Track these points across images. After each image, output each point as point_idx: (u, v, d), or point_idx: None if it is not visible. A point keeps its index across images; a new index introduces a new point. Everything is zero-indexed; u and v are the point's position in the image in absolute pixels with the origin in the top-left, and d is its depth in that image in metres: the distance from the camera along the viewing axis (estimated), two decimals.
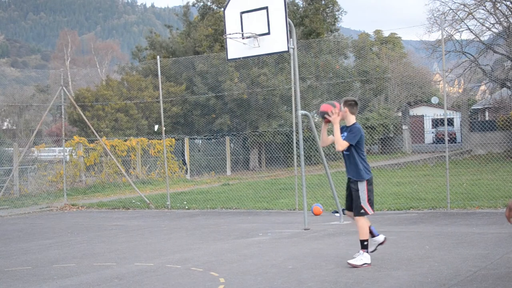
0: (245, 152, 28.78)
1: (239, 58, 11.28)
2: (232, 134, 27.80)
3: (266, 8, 10.19)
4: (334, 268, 6.74)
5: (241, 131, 28.82)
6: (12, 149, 21.39)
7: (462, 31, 27.42)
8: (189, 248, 8.68)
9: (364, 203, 6.94)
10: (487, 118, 35.30)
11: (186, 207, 15.03)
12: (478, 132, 28.63)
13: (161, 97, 15.77)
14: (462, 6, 26.83)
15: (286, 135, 26.25)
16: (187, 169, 25.31)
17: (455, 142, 36.50)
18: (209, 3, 31.88)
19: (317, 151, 14.64)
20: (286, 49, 10.25)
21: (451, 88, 41.69)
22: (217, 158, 26.50)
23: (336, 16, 33.23)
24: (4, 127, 44.91)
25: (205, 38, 29.41)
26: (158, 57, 16.02)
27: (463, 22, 26.91)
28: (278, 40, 10.17)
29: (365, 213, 6.94)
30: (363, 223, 6.92)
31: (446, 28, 25.94)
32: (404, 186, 16.08)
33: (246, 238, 9.47)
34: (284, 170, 25.13)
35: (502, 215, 10.63)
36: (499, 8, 26.62)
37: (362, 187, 6.99)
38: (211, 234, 10.14)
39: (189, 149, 26.07)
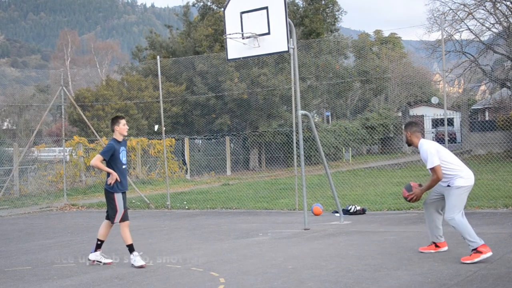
0: (245, 152, 28.78)
1: (239, 58, 11.27)
2: (232, 134, 27.79)
3: (266, 8, 10.18)
4: (334, 268, 6.74)
5: (241, 131, 28.82)
6: (12, 149, 21.38)
7: (462, 31, 27.39)
8: (189, 248, 8.68)
9: None
10: (487, 118, 35.27)
11: (186, 207, 15.03)
12: (478, 132, 28.62)
13: (161, 97, 15.78)
14: (462, 6, 26.80)
15: (286, 135, 26.24)
16: (187, 169, 25.31)
17: (455, 142, 36.47)
18: (209, 3, 31.89)
19: (317, 151, 14.65)
20: (286, 49, 10.24)
21: (451, 88, 41.66)
22: (217, 158, 26.50)
23: (336, 16, 33.25)
24: (4, 127, 44.89)
25: (205, 38, 29.40)
26: (158, 57, 16.03)
27: (463, 22, 26.88)
28: (278, 40, 10.16)
29: None
30: None
31: (446, 28, 25.91)
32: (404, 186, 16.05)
33: (246, 238, 9.47)
34: (284, 170, 25.12)
35: (502, 215, 10.63)
36: (499, 8, 26.59)
37: None
38: (211, 234, 10.14)
39: (189, 149, 26.07)
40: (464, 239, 6.86)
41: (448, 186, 7.09)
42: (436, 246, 7.42)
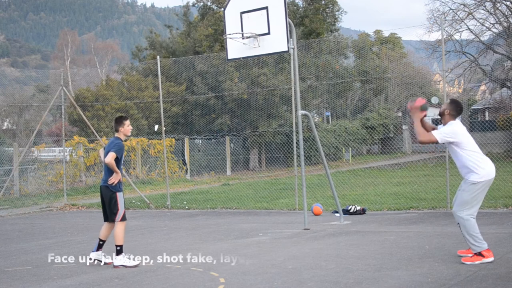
0: (245, 152, 28.78)
1: (239, 58, 11.27)
2: (232, 134, 27.79)
3: (266, 8, 10.18)
4: (334, 268, 6.74)
5: (241, 131, 28.82)
6: (12, 149, 21.39)
7: (462, 31, 27.41)
8: (189, 248, 8.68)
9: None
10: (487, 118, 35.27)
11: (186, 207, 15.03)
12: (478, 132, 28.61)
13: (161, 97, 15.77)
14: (462, 6, 26.82)
15: (286, 135, 26.24)
16: (187, 169, 25.31)
17: None
18: (209, 3, 31.89)
19: (317, 151, 14.66)
20: (286, 49, 10.24)
21: (451, 88, 41.65)
22: (217, 158, 26.50)
23: (336, 16, 33.25)
24: (4, 127, 44.86)
25: (205, 38, 29.40)
26: (158, 57, 16.02)
27: (463, 22, 26.89)
28: (278, 40, 10.16)
29: None
30: None
31: (446, 28, 25.92)
32: (404, 186, 16.08)
33: (246, 238, 9.47)
34: (284, 170, 25.13)
35: (502, 215, 10.63)
36: (499, 8, 26.60)
37: None
38: (211, 234, 10.14)
39: (189, 149, 26.07)
40: (467, 241, 6.70)
41: (465, 179, 6.79)
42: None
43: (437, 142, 6.80)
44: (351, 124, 30.22)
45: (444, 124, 6.97)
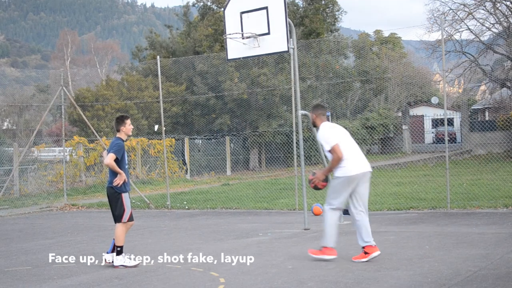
0: (245, 152, 28.78)
1: (239, 58, 11.26)
2: (232, 134, 27.79)
3: (266, 8, 10.18)
4: (334, 268, 6.74)
5: (241, 131, 28.82)
6: (12, 149, 21.38)
7: (462, 31, 27.40)
8: (189, 248, 8.68)
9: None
10: (487, 118, 35.28)
11: (186, 207, 15.03)
12: (478, 132, 28.63)
13: (161, 97, 15.77)
14: (462, 6, 26.82)
15: (286, 135, 26.24)
16: (187, 169, 25.31)
17: (455, 142, 36.48)
18: (209, 3, 31.89)
19: (317, 151, 14.65)
20: (286, 49, 10.24)
21: (451, 88, 41.65)
22: (217, 158, 26.50)
23: (336, 16, 33.26)
24: (4, 127, 44.86)
25: (205, 38, 29.41)
26: (158, 57, 16.01)
27: (463, 22, 26.90)
28: (278, 40, 10.16)
29: None
30: None
31: (446, 28, 25.91)
32: (404, 186, 16.07)
33: (246, 238, 9.47)
34: (284, 170, 25.12)
35: (502, 215, 10.63)
36: (499, 8, 26.60)
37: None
38: (211, 234, 10.14)
39: (189, 149, 26.07)
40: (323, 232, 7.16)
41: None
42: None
43: (339, 157, 7.07)
44: (351, 124, 30.20)
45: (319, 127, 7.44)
